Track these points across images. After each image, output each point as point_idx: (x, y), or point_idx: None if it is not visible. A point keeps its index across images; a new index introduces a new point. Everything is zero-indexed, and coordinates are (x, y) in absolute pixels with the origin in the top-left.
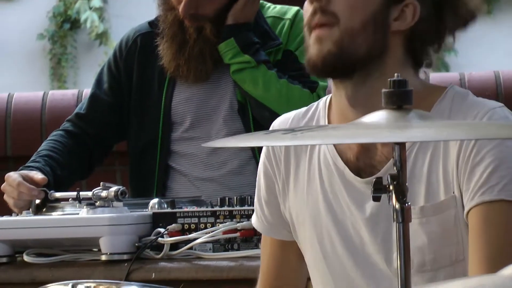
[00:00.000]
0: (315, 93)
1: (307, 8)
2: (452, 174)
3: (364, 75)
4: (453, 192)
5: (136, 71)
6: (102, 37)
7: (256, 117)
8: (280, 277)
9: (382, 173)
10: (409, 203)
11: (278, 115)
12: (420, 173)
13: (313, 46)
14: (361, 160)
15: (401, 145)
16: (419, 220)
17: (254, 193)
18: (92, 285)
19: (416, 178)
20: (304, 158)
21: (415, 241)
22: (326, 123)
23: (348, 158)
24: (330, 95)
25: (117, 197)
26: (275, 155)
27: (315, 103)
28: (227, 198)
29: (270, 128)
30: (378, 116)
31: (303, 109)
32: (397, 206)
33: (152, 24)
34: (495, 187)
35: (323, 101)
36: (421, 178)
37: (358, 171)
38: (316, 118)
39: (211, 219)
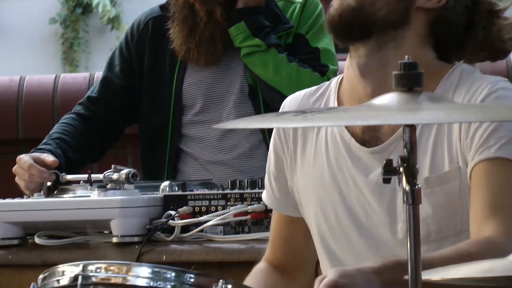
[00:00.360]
0: (325, 76)
1: None
2: (456, 145)
3: (379, 42)
4: (457, 163)
5: (147, 54)
6: (114, 21)
7: (267, 101)
8: (285, 252)
9: (387, 144)
10: (419, 185)
11: None
12: (426, 145)
13: (335, 1)
14: (367, 133)
15: (411, 127)
16: (423, 191)
17: (265, 176)
18: (103, 266)
19: (422, 150)
20: (312, 133)
21: (420, 212)
22: (336, 100)
23: (355, 131)
24: (342, 74)
25: (128, 179)
26: (284, 130)
27: (327, 82)
28: (238, 181)
29: (281, 106)
30: (389, 98)
31: (314, 87)
32: (407, 188)
33: (163, 7)
34: (493, 146)
35: (335, 80)
36: (427, 150)
37: (364, 143)
38: (326, 96)
39: (222, 202)
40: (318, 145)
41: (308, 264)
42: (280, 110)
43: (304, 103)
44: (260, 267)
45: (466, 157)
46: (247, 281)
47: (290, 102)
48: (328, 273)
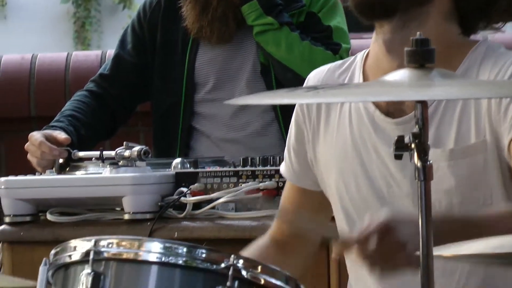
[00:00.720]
0: (338, 55)
1: None
2: (484, 119)
3: (404, 20)
4: (484, 137)
5: (160, 32)
6: (126, 0)
7: (279, 79)
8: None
9: (412, 116)
10: (430, 162)
11: (301, 77)
12: (452, 117)
13: None
14: (391, 105)
15: (423, 104)
16: (447, 163)
17: (277, 154)
18: (115, 241)
19: (447, 121)
20: (336, 105)
21: (443, 184)
22: (361, 74)
23: (379, 102)
24: (368, 49)
25: (140, 156)
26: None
27: (353, 56)
28: (249, 158)
29: (306, 80)
30: (401, 75)
31: (339, 61)
32: (419, 164)
33: None
34: None
35: (361, 54)
36: (452, 121)
37: (388, 115)
38: (351, 70)
39: (234, 179)
40: (342, 117)
41: (311, 241)
42: (305, 84)
43: (329, 77)
44: (259, 241)
45: (499, 131)
46: (244, 253)
47: (314, 75)
48: (380, 213)
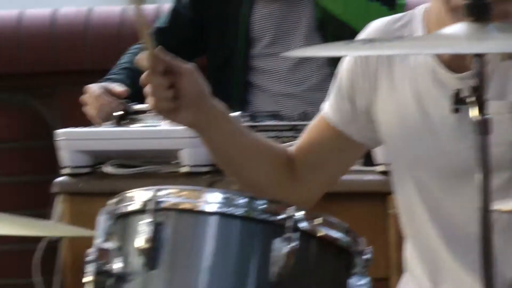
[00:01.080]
0: (393, 10)
1: None
2: None
3: None
4: None
5: None
6: None
7: (335, 34)
8: (311, 153)
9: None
10: (488, 115)
11: (356, 32)
12: None
13: None
14: (454, 61)
15: (481, 57)
16: (510, 115)
17: (332, 93)
18: (174, 191)
19: (510, 74)
20: (397, 59)
21: (507, 136)
22: (422, 28)
23: (441, 57)
24: (426, 4)
25: None
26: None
27: (411, 11)
28: (306, 113)
29: (364, 30)
30: (458, 28)
31: (399, 14)
32: (477, 118)
33: None
34: None
35: (420, 9)
36: None
37: (451, 70)
38: (412, 24)
39: (291, 133)
40: (404, 70)
41: (317, 180)
42: (364, 33)
43: (389, 28)
44: (281, 148)
45: None
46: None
47: (373, 26)
48: None
